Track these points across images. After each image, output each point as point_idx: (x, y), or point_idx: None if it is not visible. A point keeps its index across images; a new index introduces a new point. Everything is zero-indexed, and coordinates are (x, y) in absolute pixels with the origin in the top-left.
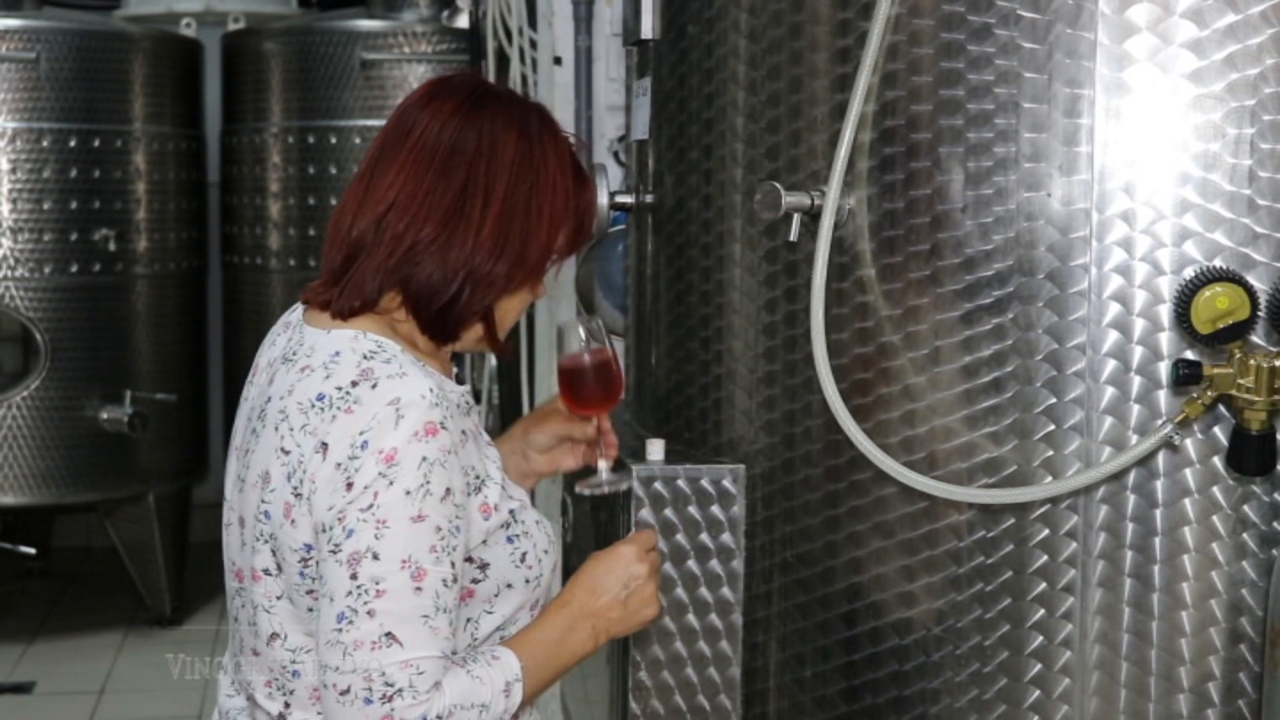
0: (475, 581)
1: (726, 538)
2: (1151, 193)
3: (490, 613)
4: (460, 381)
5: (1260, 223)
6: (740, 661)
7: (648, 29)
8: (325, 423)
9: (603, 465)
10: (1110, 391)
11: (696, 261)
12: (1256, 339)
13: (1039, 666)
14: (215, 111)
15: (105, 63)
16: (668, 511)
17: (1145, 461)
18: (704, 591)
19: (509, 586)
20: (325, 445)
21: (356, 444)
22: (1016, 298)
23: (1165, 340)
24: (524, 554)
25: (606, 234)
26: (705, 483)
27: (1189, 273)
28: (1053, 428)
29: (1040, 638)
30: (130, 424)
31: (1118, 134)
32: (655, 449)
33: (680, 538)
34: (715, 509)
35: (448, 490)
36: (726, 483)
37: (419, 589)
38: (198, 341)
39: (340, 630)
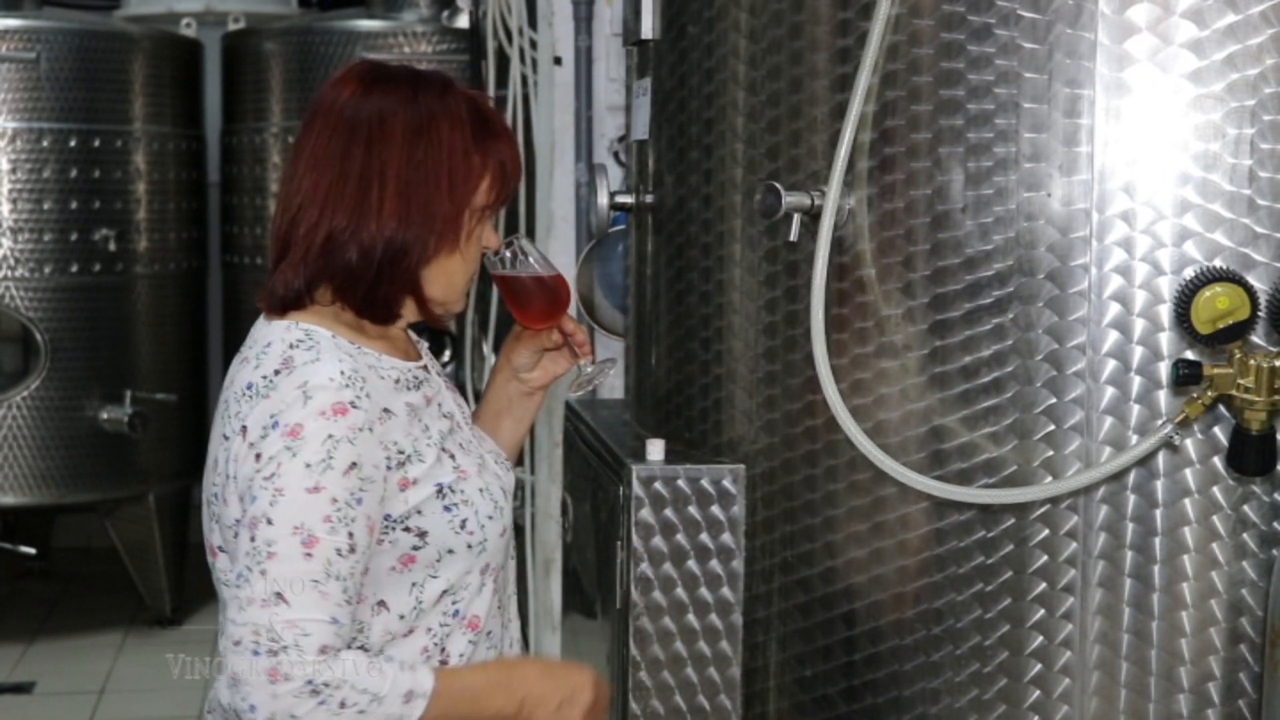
0: (415, 549)
1: (726, 538)
2: (1151, 193)
3: (435, 577)
4: (439, 352)
5: (1260, 223)
6: (740, 661)
7: (648, 29)
8: (248, 408)
9: (582, 363)
10: (1110, 391)
11: (696, 261)
12: (1256, 339)
13: (1039, 666)
14: (215, 111)
15: (105, 63)
16: (668, 511)
17: (1145, 461)
18: (704, 591)
19: (450, 552)
20: (245, 428)
21: (269, 424)
22: (1016, 298)
23: (1165, 340)
24: (464, 520)
25: (606, 234)
26: (705, 483)
27: (1189, 273)
28: (1053, 428)
29: (1040, 638)
30: (130, 424)
31: (1118, 134)
32: (655, 449)
33: (680, 538)
34: (715, 509)
35: (352, 465)
36: (726, 483)
37: (309, 555)
38: (198, 341)
39: (239, 587)
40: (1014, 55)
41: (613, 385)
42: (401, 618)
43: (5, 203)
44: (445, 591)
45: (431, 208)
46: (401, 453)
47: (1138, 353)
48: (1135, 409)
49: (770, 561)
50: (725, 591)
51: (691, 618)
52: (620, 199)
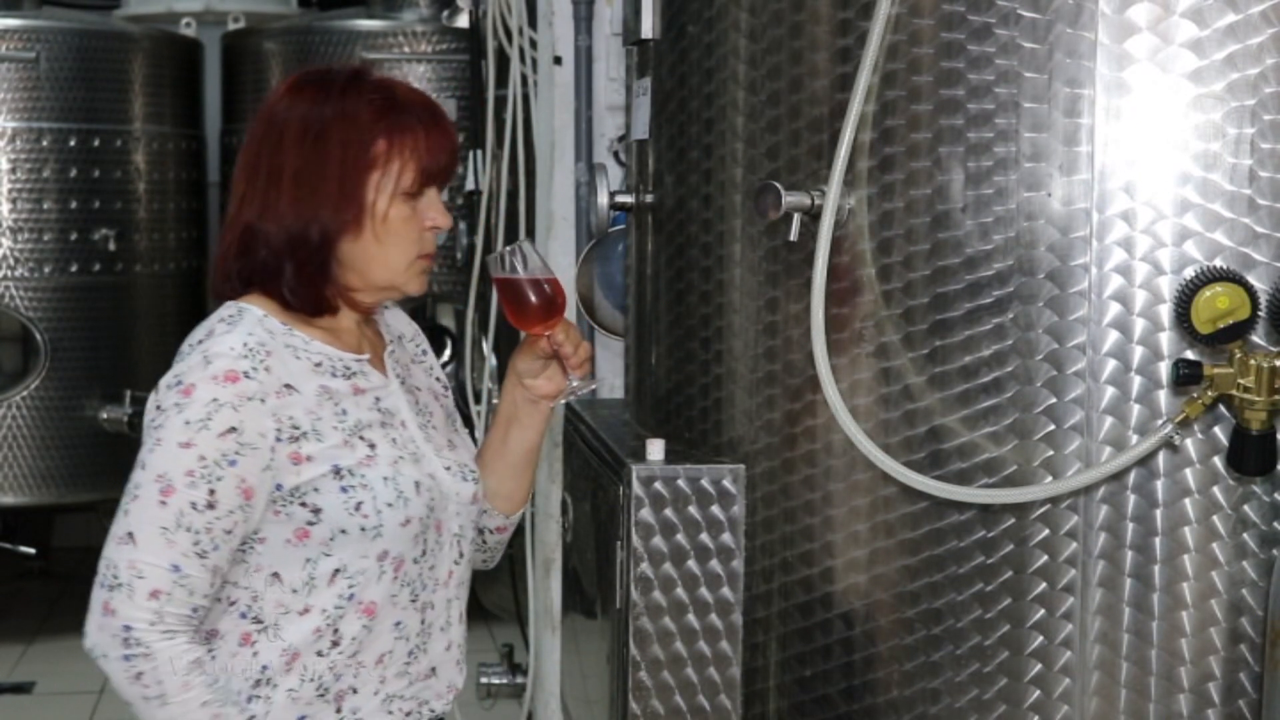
0: (310, 524)
1: (726, 538)
2: (1152, 192)
3: (328, 555)
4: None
5: (1260, 222)
6: (740, 661)
7: (648, 29)
8: (170, 369)
9: (571, 379)
10: (1110, 391)
11: (697, 261)
12: (1257, 339)
13: (1039, 666)
14: (215, 111)
15: (105, 62)
16: (668, 511)
17: (1145, 461)
18: (704, 591)
19: (344, 532)
20: (158, 386)
21: (173, 383)
22: (1017, 297)
23: (1165, 340)
24: (359, 503)
25: (606, 234)
26: (705, 482)
27: (1189, 272)
28: (1053, 427)
29: (1040, 638)
30: (130, 424)
31: (1118, 134)
32: (655, 449)
33: (680, 537)
34: (715, 509)
35: (231, 429)
36: (726, 482)
37: (164, 503)
38: None
39: (114, 522)
40: (1014, 55)
41: (612, 385)
42: (294, 592)
43: (5, 202)
44: (338, 571)
45: (321, 195)
46: (296, 428)
47: (1138, 352)
48: (1135, 409)
49: (770, 561)
50: (725, 591)
51: (691, 618)
52: (620, 199)
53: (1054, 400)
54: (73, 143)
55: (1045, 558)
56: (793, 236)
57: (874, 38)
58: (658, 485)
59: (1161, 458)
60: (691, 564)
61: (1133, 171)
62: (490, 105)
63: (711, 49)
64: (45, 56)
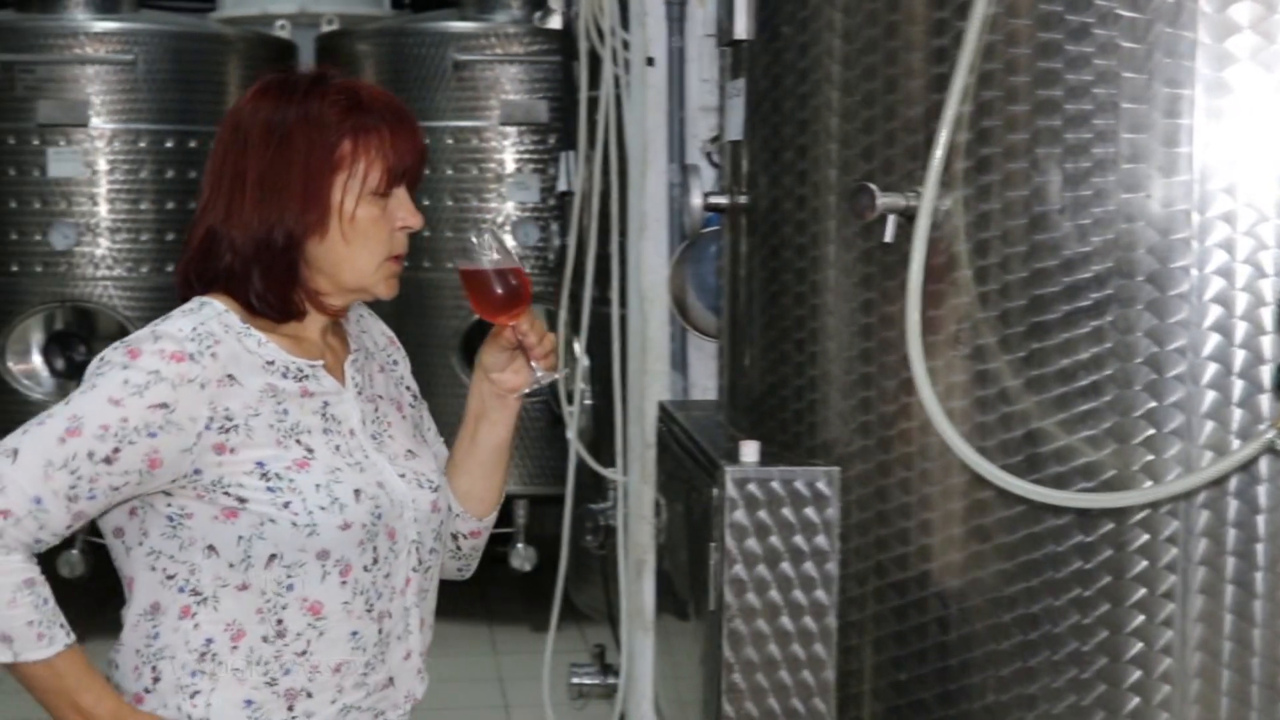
0: (236, 508)
1: (821, 540)
2: (1253, 194)
3: (262, 539)
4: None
5: None
6: (835, 665)
7: (742, 30)
8: None
9: (534, 365)
10: (1211, 395)
11: (791, 263)
12: None
13: (1138, 673)
14: None
15: (201, 64)
16: (762, 513)
17: (1247, 466)
18: (798, 594)
19: (272, 521)
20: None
21: (120, 346)
22: (1115, 300)
23: (1268, 344)
24: (287, 502)
25: (699, 235)
26: (800, 485)
27: None
28: (1152, 432)
29: (1140, 644)
30: None
31: (1219, 134)
32: (749, 451)
33: (774, 540)
34: (810, 511)
35: (163, 405)
36: (821, 485)
37: (62, 440)
38: None
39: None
40: (1113, 55)
41: (705, 387)
42: (231, 566)
43: (103, 203)
44: (274, 556)
45: (286, 197)
46: (229, 419)
47: (1240, 356)
48: (1237, 413)
49: (865, 564)
50: (820, 594)
51: (786, 620)
52: (714, 200)
53: (1154, 404)
54: (169, 144)
55: (1145, 563)
56: (888, 238)
57: (970, 38)
58: (752, 487)
59: (1264, 463)
60: (786, 566)
61: (1234, 173)
62: (583, 107)
63: (806, 49)
64: (142, 59)
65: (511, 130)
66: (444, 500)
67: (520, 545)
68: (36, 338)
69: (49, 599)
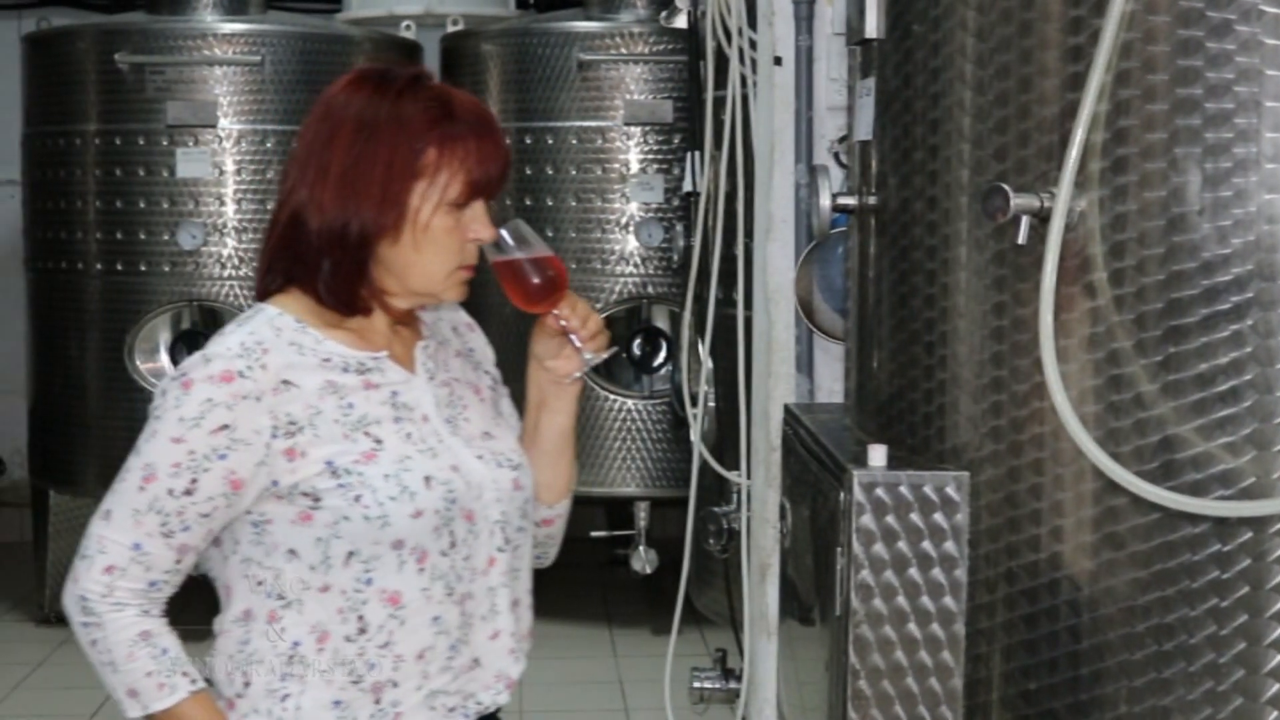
0: (312, 509)
1: (950, 546)
2: None
3: (338, 538)
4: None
5: None
6: (963, 673)
7: (872, 28)
8: None
9: (584, 352)
10: None
11: (921, 264)
12: None
13: (1277, 687)
14: None
15: (327, 65)
16: (889, 518)
17: None
18: (926, 600)
19: (346, 519)
20: (166, 376)
21: (178, 375)
22: (1256, 304)
23: None
24: (358, 496)
25: (826, 236)
26: (928, 489)
27: None
28: None
29: (1278, 657)
30: None
31: None
32: (877, 454)
33: (902, 545)
34: (938, 516)
35: (224, 426)
36: (950, 490)
37: (142, 489)
38: None
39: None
40: (1255, 52)
41: (831, 390)
42: (312, 569)
43: (230, 203)
44: (352, 554)
45: (364, 195)
46: (293, 423)
47: None
48: None
49: (994, 571)
50: (948, 601)
51: (913, 626)
52: (843, 200)
53: None
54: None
55: None
56: (1021, 240)
57: (1107, 35)
58: (879, 491)
59: None
60: (913, 572)
61: None
62: (709, 106)
63: (938, 48)
64: (270, 60)
65: (636, 130)
66: (526, 478)
67: (641, 548)
68: (164, 337)
69: (169, 649)
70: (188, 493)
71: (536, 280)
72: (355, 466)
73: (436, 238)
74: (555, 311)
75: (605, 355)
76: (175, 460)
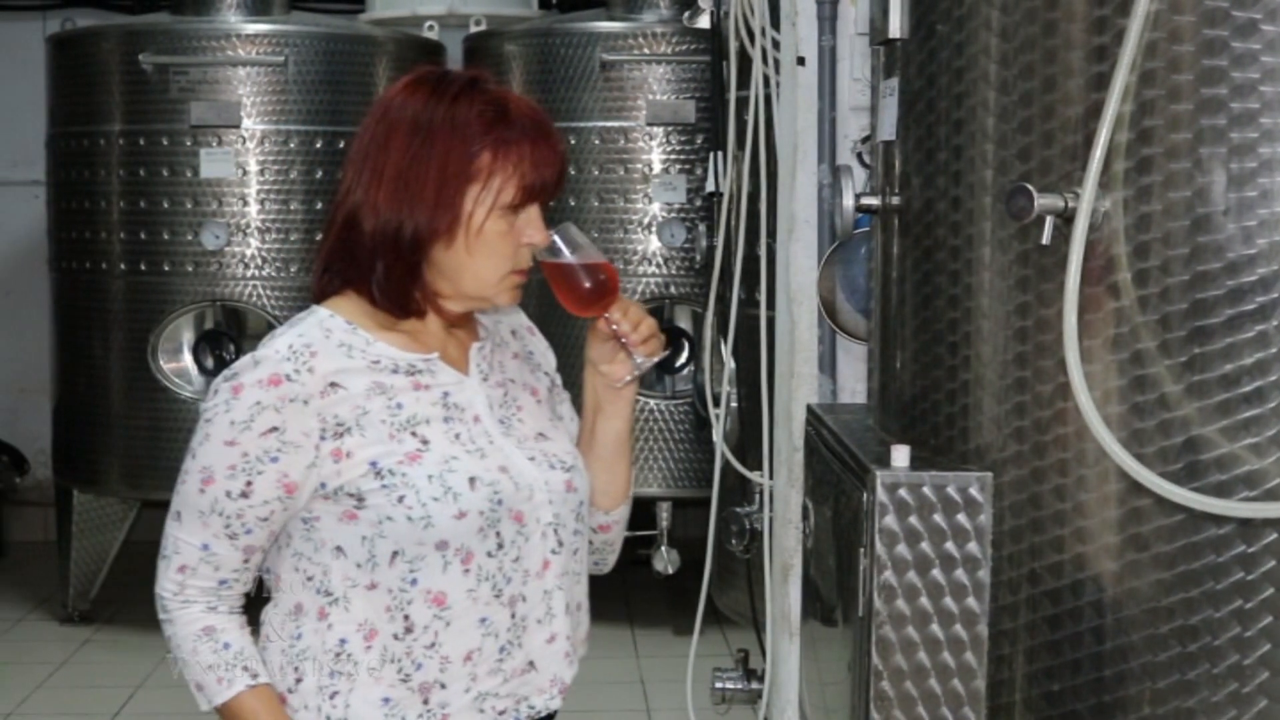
0: (356, 508)
1: (973, 547)
2: None
3: (383, 537)
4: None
5: None
6: (985, 674)
7: (895, 28)
8: None
9: (636, 357)
10: None
11: (944, 265)
12: None
13: None
14: None
15: (350, 65)
16: (912, 519)
17: None
18: (949, 601)
19: (390, 519)
20: (218, 376)
21: (229, 375)
22: None
23: None
24: (401, 496)
25: (850, 236)
26: (951, 490)
27: None
28: None
29: None
30: None
31: None
32: (900, 455)
33: (925, 545)
34: (961, 517)
35: (273, 429)
36: (974, 491)
37: (202, 491)
38: None
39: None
40: None
41: (854, 390)
42: (359, 566)
43: (253, 203)
44: (397, 553)
45: (419, 198)
46: (340, 424)
47: None
48: None
49: (1017, 572)
50: (971, 602)
51: (936, 628)
52: (866, 201)
53: None
54: (319, 145)
55: None
56: (1045, 240)
57: (1132, 35)
58: (902, 492)
59: None
60: (936, 573)
61: None
62: (732, 106)
63: (961, 48)
64: (293, 60)
65: (659, 130)
66: (580, 480)
67: (663, 548)
68: (187, 337)
69: (231, 643)
70: (244, 495)
71: (588, 284)
72: (399, 467)
73: (489, 241)
74: (607, 315)
75: (655, 360)
76: (230, 463)
